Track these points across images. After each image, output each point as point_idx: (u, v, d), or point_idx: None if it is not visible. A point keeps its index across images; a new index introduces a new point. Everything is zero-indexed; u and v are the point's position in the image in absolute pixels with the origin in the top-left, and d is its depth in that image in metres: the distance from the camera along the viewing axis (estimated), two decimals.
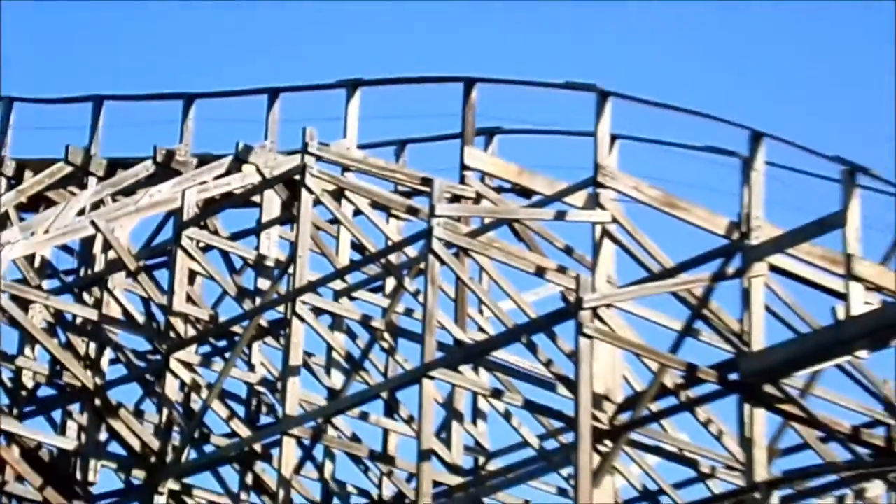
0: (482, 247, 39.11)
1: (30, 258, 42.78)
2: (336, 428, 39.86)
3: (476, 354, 38.30)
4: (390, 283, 41.45)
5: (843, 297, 34.64)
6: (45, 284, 45.00)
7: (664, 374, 35.88)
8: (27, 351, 43.61)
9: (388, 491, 41.25)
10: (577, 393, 32.64)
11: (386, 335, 40.60)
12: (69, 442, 42.93)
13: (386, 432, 41.70)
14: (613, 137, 39.87)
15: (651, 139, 40.55)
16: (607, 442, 34.24)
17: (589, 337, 32.72)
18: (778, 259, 36.61)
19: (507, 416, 40.34)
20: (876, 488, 36.19)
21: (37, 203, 47.19)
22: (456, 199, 39.84)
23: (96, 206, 43.38)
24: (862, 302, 34.32)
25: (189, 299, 42.49)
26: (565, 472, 35.98)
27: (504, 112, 44.00)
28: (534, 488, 39.98)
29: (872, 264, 35.58)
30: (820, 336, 35.21)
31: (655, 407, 37.06)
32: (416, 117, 43.42)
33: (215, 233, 44.54)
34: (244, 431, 40.95)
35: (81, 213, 42.94)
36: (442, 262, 36.37)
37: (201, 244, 42.16)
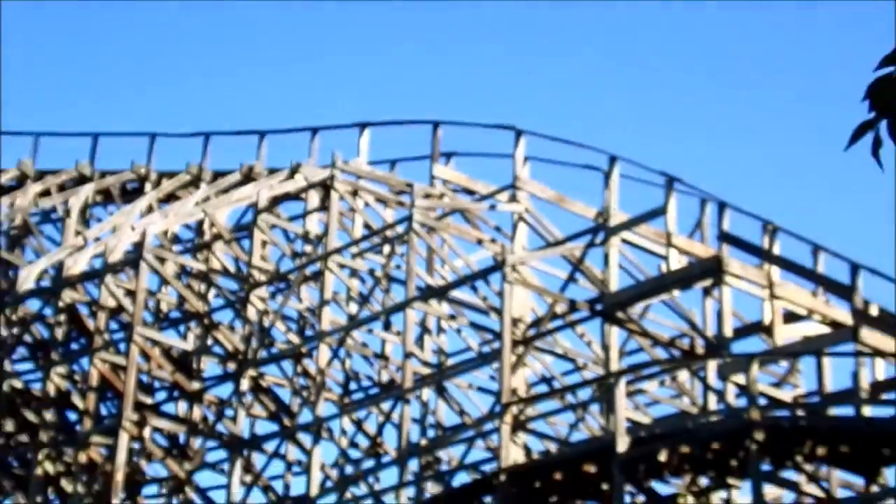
0: (444, 226, 41.32)
1: (165, 233, 43.37)
2: (352, 338, 41.10)
3: (440, 293, 40.22)
4: (386, 248, 42.68)
5: (665, 258, 36.64)
6: (175, 248, 45.55)
7: (556, 305, 38.82)
8: (163, 289, 44.66)
9: (385, 377, 42.16)
10: (502, 317, 35.09)
11: (383, 281, 42.40)
12: (189, 345, 44.14)
13: (383, 341, 42.82)
14: (525, 158, 41.50)
15: (549, 160, 41.79)
16: (520, 347, 36.72)
17: (509, 283, 34.97)
18: (626, 235, 38.50)
19: (458, 331, 41.86)
20: (683, 375, 37.55)
21: (169, 199, 47.35)
22: (427, 196, 41.54)
23: (205, 199, 44.68)
24: (676, 262, 36.68)
25: (262, 258, 43.63)
26: (494, 365, 36.58)
27: (458, 141, 45.54)
28: (475, 376, 40.20)
29: (683, 238, 37.58)
30: (651, 282, 37.63)
31: (550, 326, 39.35)
32: (401, 144, 45.40)
33: (277, 216, 45.30)
34: (295, 340, 42.67)
35: (196, 204, 44.42)
36: (418, 235, 38.52)
37: (269, 224, 43.77)
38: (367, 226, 43.42)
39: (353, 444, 40.02)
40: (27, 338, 43.89)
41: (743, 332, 37.11)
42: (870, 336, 33.63)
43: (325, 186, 42.98)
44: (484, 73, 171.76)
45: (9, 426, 41.49)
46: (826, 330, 35.62)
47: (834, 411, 34.18)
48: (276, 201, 44.43)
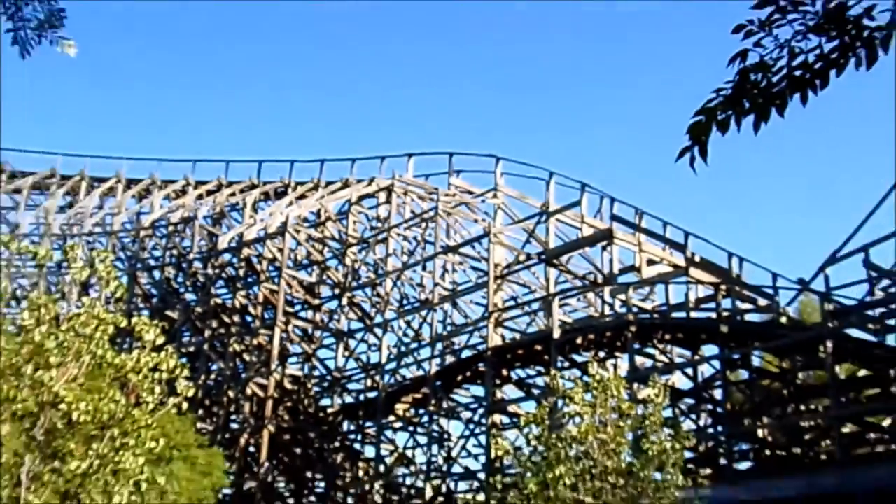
0: (455, 212, 41.53)
1: (299, 216, 43.35)
2: (404, 275, 41.62)
3: (454, 249, 40.18)
4: (423, 225, 41.98)
5: (580, 229, 36.28)
6: (305, 225, 44.47)
7: (520, 256, 38.31)
8: (298, 248, 44.30)
9: (423, 297, 41.43)
10: (489, 263, 35.18)
11: (421, 243, 42.29)
12: (313, 279, 44.67)
13: (422, 277, 41.87)
14: (501, 173, 40.95)
15: (514, 173, 41.19)
16: (499, 280, 36.52)
17: (492, 244, 35.09)
18: (558, 216, 37.23)
19: (464, 271, 42.23)
20: (590, 295, 37.54)
21: (301, 197, 46.67)
22: (446, 195, 41.96)
23: (321, 197, 45.16)
24: (587, 231, 36.00)
25: (353, 230, 44.30)
26: (484, 290, 36.32)
27: (463, 163, 44.34)
28: (473, 297, 39.50)
29: (590, 218, 36.91)
30: (572, 243, 37.04)
31: (515, 268, 38.48)
32: (431, 165, 45.33)
33: (361, 206, 45.36)
34: (372, 276, 43.00)
35: (316, 199, 44.87)
36: (441, 217, 38.79)
37: (357, 210, 44.15)
38: (411, 212, 43.54)
39: (405, 335, 40.75)
40: (223, 275, 44.44)
41: (623, 271, 36.02)
42: (694, 272, 34.14)
43: (389, 189, 43.63)
44: (468, 110, 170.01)
45: (214, 324, 42.17)
46: (670, 269, 35.42)
47: (674, 314, 34.20)
48: (361, 198, 45.01)
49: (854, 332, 27.23)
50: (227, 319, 42.90)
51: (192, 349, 41.67)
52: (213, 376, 41.73)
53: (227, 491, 34.08)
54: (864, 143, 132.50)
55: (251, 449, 37.98)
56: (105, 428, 11.85)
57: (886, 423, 29.20)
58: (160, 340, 13.25)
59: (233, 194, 48.60)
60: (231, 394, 40.30)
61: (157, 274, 46.35)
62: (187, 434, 23.52)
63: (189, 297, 45.30)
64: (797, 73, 3.31)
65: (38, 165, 52.77)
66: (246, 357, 41.38)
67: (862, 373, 29.20)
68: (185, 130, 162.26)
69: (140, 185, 52.47)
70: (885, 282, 26.92)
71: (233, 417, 40.26)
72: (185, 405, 13.11)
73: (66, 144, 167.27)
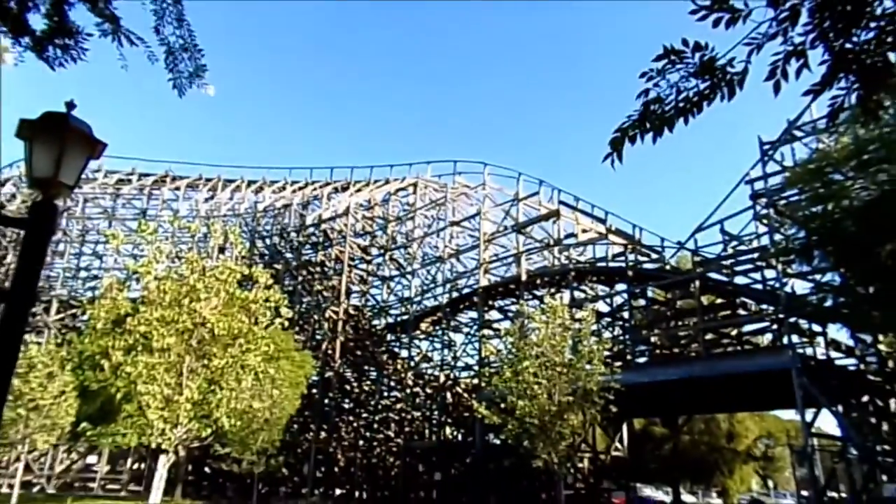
0: (458, 199, 40.68)
1: (358, 203, 43.70)
2: (426, 241, 41.25)
3: (458, 223, 39.70)
4: (437, 208, 41.77)
5: (538, 210, 35.54)
6: (360, 208, 44.58)
7: (500, 227, 37.41)
8: (357, 223, 43.77)
9: (437, 253, 40.75)
10: (480, 231, 34.88)
11: (435, 219, 41.85)
12: (382, 241, 44.20)
13: (437, 242, 41.87)
14: (488, 174, 39.67)
15: (496, 174, 40.12)
16: (487, 244, 35.95)
17: (482, 218, 34.57)
18: (525, 202, 36.03)
19: (464, 237, 41.46)
20: (546, 253, 37.07)
21: (359, 191, 46.35)
22: (452, 189, 41.61)
23: (371, 191, 45.09)
24: (543, 211, 35.10)
25: (391, 213, 44.07)
26: (477, 250, 35.97)
27: (464, 166, 43.53)
28: (470, 255, 38.74)
29: (546, 203, 36.22)
30: (534, 219, 35.50)
31: (497, 234, 37.01)
32: (444, 169, 44.71)
33: (398, 196, 45.11)
34: (404, 240, 42.80)
35: (368, 192, 44.80)
36: (449, 203, 38.07)
37: (395, 199, 44.06)
38: (430, 199, 43.03)
39: (426, 279, 40.88)
40: (309, 241, 44.30)
41: (567, 237, 34.62)
42: (611, 237, 33.71)
43: (415, 185, 43.37)
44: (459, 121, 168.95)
45: (304, 273, 42.53)
46: (596, 235, 34.59)
47: (598, 264, 33.34)
48: (397, 191, 44.79)
49: (713, 275, 26.81)
50: (312, 270, 43.04)
51: (290, 289, 41.35)
52: (304, 306, 41.68)
53: (315, 378, 34.50)
54: (724, 151, 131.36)
55: (329, 352, 38.22)
56: (235, 338, 12.11)
57: (734, 332, 29.24)
58: (269, 282, 13.46)
59: (315, 189, 48.25)
60: (316, 317, 40.54)
61: (267, 241, 46.28)
62: (289, 342, 23.85)
63: (288, 255, 45.02)
64: (682, 104, 3.22)
65: (189, 172, 52.62)
66: (325, 294, 41.57)
67: (717, 301, 28.89)
68: (283, 146, 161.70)
69: (256, 184, 52.16)
70: (734, 243, 26.26)
71: (317, 332, 40.38)
72: (286, 324, 13.40)
73: (208, 158, 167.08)
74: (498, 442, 27.14)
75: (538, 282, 31.96)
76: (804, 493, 28.07)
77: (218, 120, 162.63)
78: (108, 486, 37.61)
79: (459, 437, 35.54)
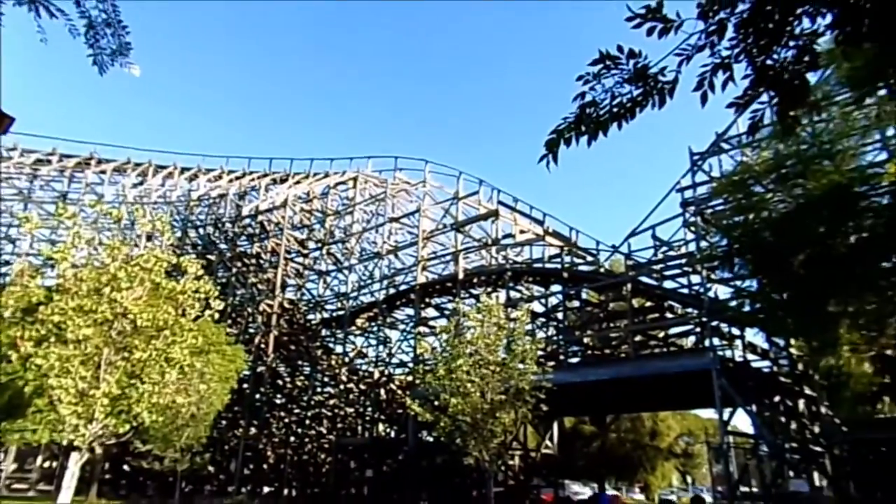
0: (398, 195, 40.08)
1: (296, 195, 42.64)
2: (363, 236, 40.84)
3: (397, 219, 39.08)
4: (377, 203, 41.31)
5: (478, 209, 35.53)
6: (299, 201, 43.68)
7: (439, 225, 36.97)
8: (294, 215, 43.00)
9: (376, 249, 40.06)
10: (419, 228, 34.58)
11: (374, 215, 41.25)
12: (304, 235, 43.44)
13: (375, 238, 41.32)
14: (429, 171, 39.61)
15: (437, 172, 40.01)
16: (426, 241, 35.54)
17: (422, 215, 34.36)
18: (465, 201, 35.93)
19: (403, 233, 41.14)
20: (484, 252, 37.22)
21: (298, 183, 45.55)
22: (392, 185, 41.33)
23: (310, 183, 44.22)
24: (482, 210, 35.24)
25: (331, 206, 43.25)
26: (416, 247, 35.76)
27: (405, 163, 43.29)
28: (408, 252, 38.54)
29: (486, 202, 36.43)
30: (473, 218, 35.56)
31: (437, 232, 37.02)
32: (386, 165, 44.27)
33: (337, 190, 44.41)
34: (342, 235, 42.21)
35: (307, 184, 43.85)
36: (389, 198, 37.76)
37: (334, 192, 43.37)
38: (369, 194, 42.58)
39: (363, 275, 40.33)
40: (245, 233, 43.16)
41: (504, 237, 34.96)
42: (548, 239, 34.36)
43: (355, 179, 42.87)
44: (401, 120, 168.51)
45: (238, 265, 41.35)
46: (533, 236, 35.01)
47: (535, 265, 34.01)
48: (337, 184, 43.95)
49: (644, 279, 27.51)
50: (247, 262, 41.88)
51: (223, 281, 40.29)
52: (237, 299, 40.59)
53: (247, 372, 33.69)
54: (659, 159, 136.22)
55: (262, 346, 37.39)
56: (160, 330, 11.57)
57: (661, 335, 30.25)
58: (200, 273, 12.93)
59: (252, 180, 46.82)
60: (249, 310, 39.55)
61: (200, 231, 44.66)
62: (220, 336, 23.15)
63: (222, 246, 43.57)
64: (616, 109, 3.28)
65: (116, 155, 50.01)
66: (259, 287, 40.61)
67: (647, 304, 29.61)
68: (219, 136, 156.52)
69: (190, 171, 50.11)
70: (664, 248, 27.02)
71: (251, 326, 39.41)
72: (217, 316, 12.90)
73: (138, 141, 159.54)
74: (431, 439, 27.16)
75: (475, 281, 32.14)
76: (719, 488, 29.39)
77: (150, 103, 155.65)
78: (14, 486, 35.39)
79: (392, 434, 35.37)
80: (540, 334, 29.67)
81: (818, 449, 22.66)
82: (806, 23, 3.17)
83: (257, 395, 36.80)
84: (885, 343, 12.23)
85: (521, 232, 35.41)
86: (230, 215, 43.75)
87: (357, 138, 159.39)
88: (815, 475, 22.54)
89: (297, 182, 45.32)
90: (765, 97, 3.31)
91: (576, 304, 31.97)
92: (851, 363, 12.15)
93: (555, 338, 31.47)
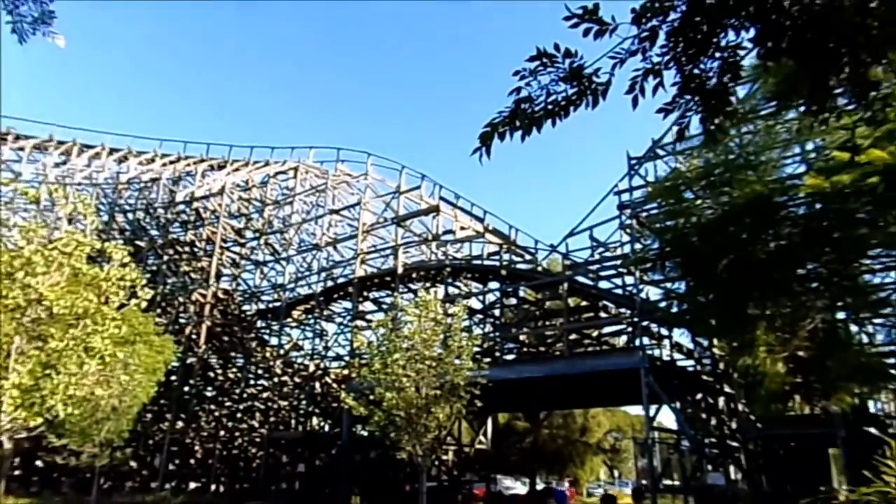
0: (339, 186, 39.49)
1: (234, 183, 41.49)
2: (303, 227, 40.24)
3: (337, 211, 38.72)
4: (317, 194, 40.55)
5: (419, 204, 35.46)
6: (237, 189, 42.30)
7: (380, 219, 36.80)
8: (232, 203, 41.80)
9: (315, 241, 39.50)
10: (360, 221, 34.31)
11: (315, 206, 40.51)
12: (241, 224, 42.19)
13: (315, 229, 40.54)
14: (371, 164, 39.06)
15: (379, 165, 39.42)
16: (365, 234, 35.37)
17: (362, 208, 34.01)
18: (406, 195, 35.69)
19: (344, 225, 40.69)
20: (423, 247, 37.08)
21: (237, 170, 44.00)
22: (334, 176, 40.79)
23: (249, 171, 43.05)
24: (423, 205, 35.20)
25: (269, 195, 42.25)
26: (355, 240, 35.44)
27: (348, 154, 42.60)
28: (347, 244, 37.89)
29: (427, 197, 36.33)
30: (413, 213, 35.57)
31: (377, 226, 36.73)
32: (327, 156, 43.49)
33: (277, 179, 43.38)
34: (281, 225, 41.24)
35: (246, 172, 42.65)
36: (330, 190, 37.26)
37: (274, 181, 42.45)
38: (310, 185, 41.70)
39: (301, 266, 39.64)
40: (178, 219, 41.56)
41: (445, 232, 35.06)
42: (488, 236, 34.60)
43: (296, 169, 42.04)
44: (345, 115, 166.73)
45: (171, 252, 40.02)
46: (473, 233, 34.98)
47: (474, 262, 33.70)
48: (277, 174, 42.99)
49: (580, 279, 28.00)
50: (180, 249, 40.37)
51: (154, 268, 38.70)
52: (168, 287, 39.04)
53: (176, 364, 32.54)
54: (599, 162, 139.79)
55: (193, 337, 36.19)
56: (80, 318, 10.94)
57: (595, 333, 31.06)
58: (126, 259, 12.33)
59: (188, 165, 44.87)
60: (181, 299, 38.16)
61: (130, 216, 42.62)
62: (148, 325, 22.16)
63: (153, 232, 41.67)
64: (550, 106, 3.32)
65: (37, 131, 46.93)
66: (192, 275, 39.20)
67: (582, 303, 30.19)
68: (156, 117, 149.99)
69: (120, 153, 47.58)
70: (601, 249, 27.46)
71: (182, 316, 38.02)
72: (145, 304, 12.32)
73: (62, 118, 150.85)
74: (365, 433, 27.01)
75: (414, 275, 32.06)
76: (644, 481, 30.55)
77: (74, 78, 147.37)
78: None
79: (327, 428, 34.98)
80: (477, 330, 29.87)
81: (735, 444, 23.86)
82: (731, 36, 3.31)
83: (186, 388, 35.63)
84: (798, 345, 12.94)
85: (462, 228, 35.57)
86: (163, 200, 41.99)
87: (299, 129, 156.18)
88: (732, 469, 23.76)
89: (236, 169, 43.86)
90: (692, 104, 3.44)
91: (513, 301, 32.56)
92: (767, 363, 12.79)
93: (491, 334, 31.75)
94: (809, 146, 15.21)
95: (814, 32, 3.05)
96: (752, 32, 3.25)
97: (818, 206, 10.96)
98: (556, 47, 3.26)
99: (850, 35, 3.01)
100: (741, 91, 15.01)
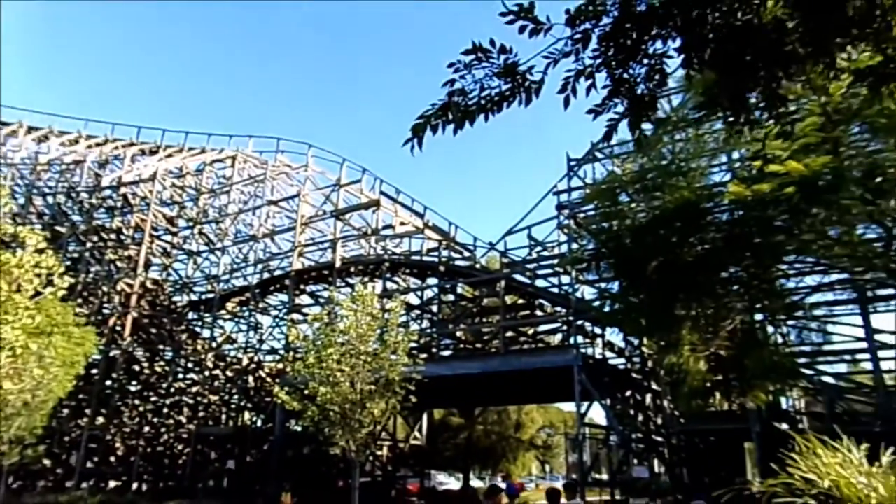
0: (278, 178, 38.68)
1: (167, 169, 40.03)
2: (241, 217, 39.14)
3: (276, 202, 37.86)
4: (256, 184, 39.76)
5: (359, 198, 35.12)
6: (170, 175, 40.57)
7: (319, 212, 36.22)
8: (164, 190, 40.12)
9: (252, 232, 38.50)
10: (298, 213, 33.73)
11: (253, 196, 39.77)
12: (174, 212, 40.46)
13: (253, 220, 39.74)
14: (312, 155, 38.89)
15: (319, 157, 39.26)
16: (304, 226, 34.83)
17: (301, 200, 33.42)
18: (347, 189, 35.39)
19: (282, 217, 39.91)
20: (363, 241, 36.81)
21: (170, 156, 42.28)
22: (273, 167, 40.05)
23: (183, 157, 41.58)
24: (364, 199, 34.93)
25: (205, 184, 40.93)
26: (293, 232, 34.78)
27: (288, 144, 41.81)
28: (285, 236, 37.48)
29: (367, 191, 36.06)
30: (353, 206, 34.99)
31: (316, 218, 35.93)
32: (268, 144, 42.59)
33: (213, 167, 41.93)
34: (217, 214, 40.05)
35: (180, 158, 41.17)
36: (269, 180, 36.37)
37: (210, 169, 41.18)
38: (248, 175, 40.74)
39: (237, 257, 38.69)
40: (104, 205, 39.59)
41: (385, 227, 34.87)
42: (428, 232, 34.74)
43: (234, 158, 40.91)
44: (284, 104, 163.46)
45: (95, 239, 38.21)
46: (413, 229, 35.17)
47: (413, 257, 34.07)
48: (213, 161, 41.67)
49: (518, 277, 28.42)
50: (105, 236, 38.50)
51: (75, 256, 36.86)
52: (91, 276, 37.20)
53: (97, 357, 31.08)
54: (541, 162, 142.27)
55: (118, 328, 34.67)
56: None
57: (531, 331, 31.62)
58: (42, 245, 11.65)
59: (116, 148, 42.64)
60: (105, 289, 36.37)
61: (49, 199, 40.32)
62: (67, 316, 20.95)
63: (76, 218, 39.57)
64: (483, 101, 3.36)
65: None
66: (119, 264, 37.47)
67: (519, 301, 30.59)
68: (81, 95, 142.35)
69: (40, 131, 44.94)
70: (539, 248, 28.00)
71: (105, 306, 36.24)
72: (63, 293, 11.63)
73: None
74: (299, 429, 26.61)
75: (352, 270, 31.78)
76: (573, 475, 31.44)
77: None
78: None
79: (259, 423, 34.23)
80: (414, 326, 29.97)
81: (659, 439, 24.91)
82: (659, 44, 3.45)
83: (108, 382, 34.09)
84: (719, 344, 13.56)
85: (402, 224, 35.45)
86: (87, 184, 39.91)
87: (238, 118, 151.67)
88: (655, 462, 24.77)
89: (169, 155, 42.09)
90: (620, 108, 3.56)
91: (451, 297, 32.78)
92: (690, 361, 13.35)
93: (428, 330, 31.89)
94: (735, 155, 15.97)
95: (734, 46, 3.20)
96: (678, 42, 3.39)
97: (740, 213, 11.47)
98: (492, 42, 3.31)
99: (767, 50, 3.18)
100: (676, 99, 15.74)
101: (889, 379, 20.33)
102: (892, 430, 14.63)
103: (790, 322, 16.56)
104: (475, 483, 43.55)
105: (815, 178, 9.63)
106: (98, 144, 43.35)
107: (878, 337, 18.93)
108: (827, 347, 20.19)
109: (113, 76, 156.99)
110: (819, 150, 9.80)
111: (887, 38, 3.24)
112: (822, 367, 20.69)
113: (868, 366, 19.96)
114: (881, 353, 19.10)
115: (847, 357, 21.28)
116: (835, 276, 14.53)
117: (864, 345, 19.18)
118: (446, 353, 31.37)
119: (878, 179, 10.09)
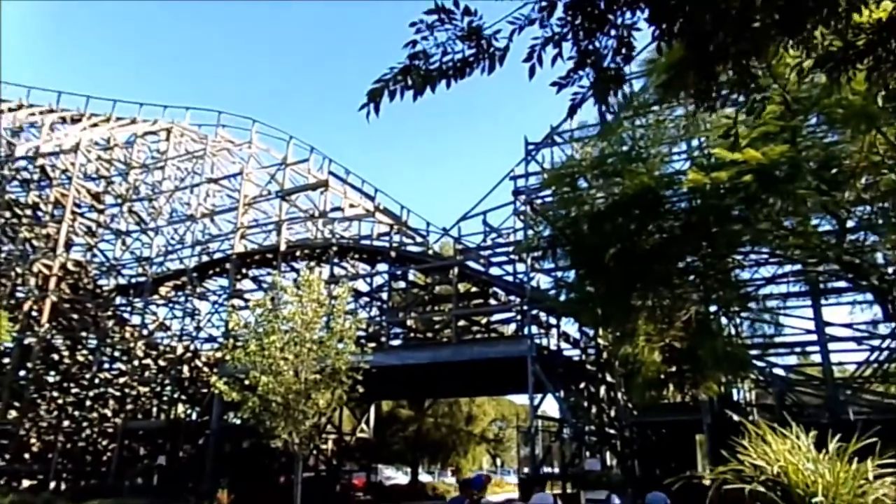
0: (220, 154, 37.85)
1: (91, 139, 38.42)
2: (178, 196, 38.06)
3: (216, 181, 37.21)
4: (194, 160, 38.51)
5: (307, 178, 34.64)
6: (96, 147, 39.08)
7: (263, 192, 35.62)
8: (89, 162, 38.43)
9: (189, 212, 37.27)
10: (241, 193, 32.89)
11: (191, 174, 38.41)
12: (101, 188, 38.72)
13: (190, 199, 38.35)
14: (256, 131, 37.52)
15: (265, 133, 38.33)
16: (246, 207, 34.00)
17: (244, 179, 32.88)
18: (293, 168, 34.89)
19: (223, 196, 39.00)
20: (310, 224, 36.34)
21: (96, 125, 40.45)
22: (213, 143, 38.94)
23: (111, 128, 39.95)
24: (312, 180, 34.48)
25: (136, 158, 39.48)
26: (235, 213, 34.30)
27: (230, 119, 40.45)
28: (226, 217, 36.77)
29: (316, 171, 35.49)
30: (299, 187, 34.86)
31: (260, 199, 35.58)
32: (210, 118, 41.32)
33: (146, 140, 40.46)
34: (150, 192, 38.81)
35: (107, 129, 39.52)
36: (209, 157, 35.45)
37: (142, 142, 39.81)
38: (185, 150, 39.50)
39: (172, 239, 37.56)
40: (18, 177, 37.71)
41: (333, 210, 34.11)
42: (378, 216, 34.55)
43: (168, 131, 39.61)
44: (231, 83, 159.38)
45: (7, 214, 36.35)
46: (363, 212, 34.80)
47: (362, 242, 33.62)
48: (146, 133, 40.12)
49: (471, 264, 28.55)
50: (19, 212, 36.61)
51: None
52: (3, 255, 35.50)
53: (9, 344, 29.93)
54: (498, 146, 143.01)
55: (34, 314, 33.24)
56: None
57: (484, 320, 31.83)
58: None
59: (33, 114, 40.24)
60: (19, 270, 34.66)
61: None
62: None
63: None
64: (445, 66, 3.34)
65: None
66: (35, 243, 35.82)
67: (472, 289, 30.74)
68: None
69: None
70: (494, 235, 28.19)
71: (20, 289, 34.65)
72: None
73: None
74: (238, 421, 26.23)
75: (298, 253, 31.34)
76: (525, 469, 32.04)
77: None
78: None
79: (194, 416, 33.51)
80: (362, 314, 29.80)
81: (612, 431, 25.58)
82: (628, 14, 3.48)
83: (23, 372, 32.76)
84: (674, 335, 13.94)
85: (351, 206, 35.08)
86: None
87: (174, 88, 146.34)
88: (608, 455, 25.50)
89: (95, 125, 40.13)
90: (585, 81, 3.59)
91: (402, 284, 32.77)
92: (645, 352, 13.73)
93: (377, 318, 31.81)
94: (695, 143, 16.42)
95: (702, 17, 3.25)
96: (647, 13, 3.43)
97: (698, 201, 11.78)
98: (456, 3, 3.27)
99: (736, 23, 3.25)
100: (637, 84, 16.03)
101: (837, 371, 21.27)
102: (839, 422, 15.30)
103: (743, 313, 17.15)
104: (424, 478, 43.92)
105: (773, 167, 9.96)
106: (11, 110, 40.89)
107: (828, 330, 19.80)
108: (778, 339, 20.92)
109: (31, 37, 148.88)
110: (777, 140, 10.14)
111: (849, 23, 3.35)
112: (773, 359, 21.60)
113: (817, 358, 20.82)
114: (831, 346, 19.98)
115: (797, 349, 22.13)
116: (788, 268, 15.12)
117: (814, 337, 20.04)
118: (396, 342, 31.33)
119: (834, 171, 10.54)
